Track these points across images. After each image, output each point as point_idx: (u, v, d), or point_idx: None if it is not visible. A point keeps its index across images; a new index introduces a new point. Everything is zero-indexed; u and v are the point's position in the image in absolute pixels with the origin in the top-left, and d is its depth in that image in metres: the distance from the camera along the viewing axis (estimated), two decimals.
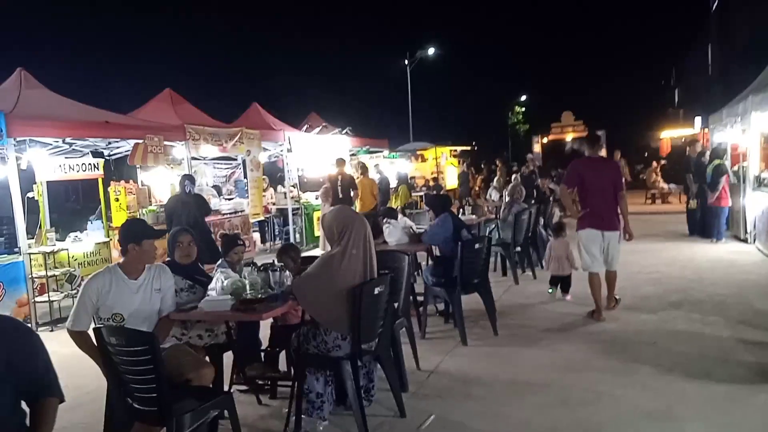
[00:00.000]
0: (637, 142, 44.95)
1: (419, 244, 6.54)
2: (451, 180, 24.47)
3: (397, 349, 4.59)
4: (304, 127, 14.30)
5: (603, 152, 6.87)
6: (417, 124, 33.40)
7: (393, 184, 15.48)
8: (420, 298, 6.16)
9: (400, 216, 8.92)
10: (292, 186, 13.76)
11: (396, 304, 4.65)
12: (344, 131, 15.51)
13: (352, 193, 12.40)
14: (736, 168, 11.26)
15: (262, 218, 12.63)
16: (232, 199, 13.45)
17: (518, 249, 8.69)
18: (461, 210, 9.98)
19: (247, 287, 3.85)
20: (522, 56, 79.88)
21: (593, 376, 4.67)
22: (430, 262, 7.14)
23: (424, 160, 25.25)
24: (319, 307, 3.83)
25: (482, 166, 26.76)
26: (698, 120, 21.28)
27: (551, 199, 12.48)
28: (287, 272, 4.12)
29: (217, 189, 14.84)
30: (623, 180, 6.51)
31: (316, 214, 13.34)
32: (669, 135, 22.45)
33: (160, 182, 11.96)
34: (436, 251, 6.67)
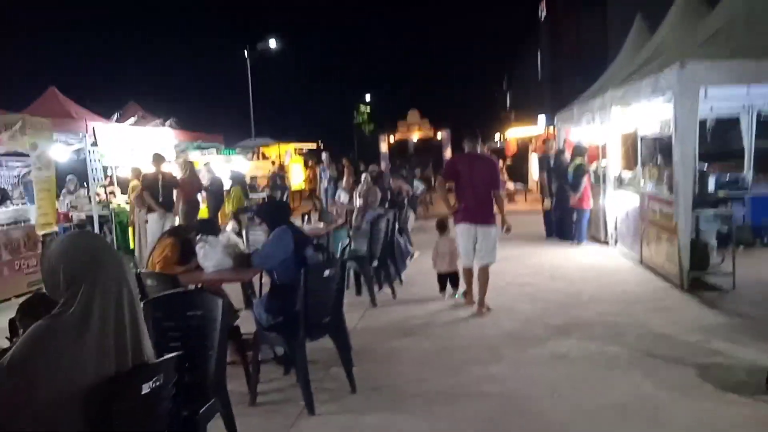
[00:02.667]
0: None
1: (247, 271, 4.79)
2: (296, 179, 22.75)
3: None
4: (115, 117, 11.82)
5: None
6: (259, 121, 31.36)
7: (227, 185, 13.38)
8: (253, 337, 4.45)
9: (230, 227, 7.14)
10: (101, 186, 11.28)
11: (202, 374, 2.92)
12: (167, 122, 13.20)
13: (174, 196, 10.31)
14: (594, 167, 10.75)
15: (54, 229, 10.04)
16: (23, 205, 10.71)
17: (375, 263, 7.23)
18: (306, 217, 8.33)
19: None
20: (367, 55, 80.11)
21: None
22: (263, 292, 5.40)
23: (265, 157, 23.28)
24: (27, 423, 1.98)
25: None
26: (542, 118, 21.49)
27: (405, 201, 11.25)
28: None
29: (3, 193, 11.92)
30: (500, 177, 6.69)
31: None
32: (514, 135, 22.52)
33: None
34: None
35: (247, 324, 4.84)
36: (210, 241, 4.76)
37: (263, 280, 6.66)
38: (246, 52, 30.65)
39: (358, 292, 7.33)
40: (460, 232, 6.34)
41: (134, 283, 2.16)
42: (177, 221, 10.53)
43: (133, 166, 11.02)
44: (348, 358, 4.48)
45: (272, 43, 31.98)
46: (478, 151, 6.59)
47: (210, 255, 4.70)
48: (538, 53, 45.08)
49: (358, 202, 9.79)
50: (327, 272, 4.17)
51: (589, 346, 5.07)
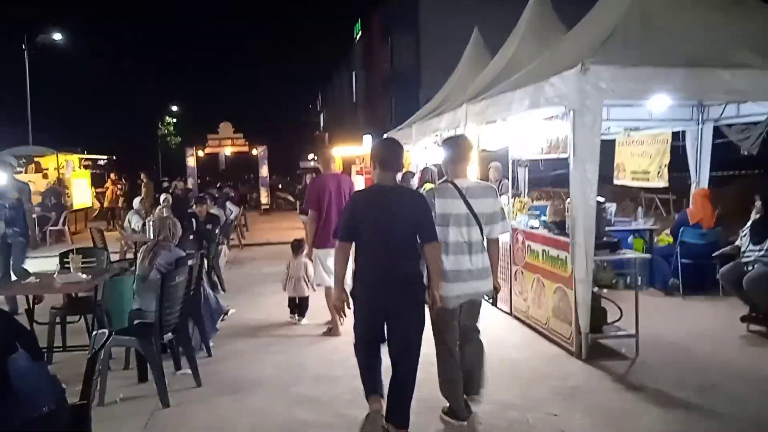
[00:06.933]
0: (293, 162, 44.46)
1: None
2: (80, 198, 18.82)
3: None
4: None
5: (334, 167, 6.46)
6: (39, 127, 26.35)
7: None
8: None
9: None
10: None
11: None
12: None
13: None
14: None
15: None
16: None
17: (170, 335, 4.81)
18: (64, 262, 5.60)
19: None
20: (173, 63, 74.78)
21: None
22: None
23: (42, 170, 19.00)
24: None
25: (122, 179, 21.64)
26: (368, 138, 20.10)
27: (217, 232, 8.80)
28: None
29: None
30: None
31: None
32: (341, 153, 20.72)
33: None
34: None
35: None
36: None
37: None
38: (23, 44, 25.69)
39: (143, 377, 4.88)
40: (324, 253, 6.08)
41: None
42: None
43: None
44: None
45: (57, 37, 27.23)
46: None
47: None
48: (353, 74, 44.73)
49: (150, 234, 7.20)
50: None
51: None
